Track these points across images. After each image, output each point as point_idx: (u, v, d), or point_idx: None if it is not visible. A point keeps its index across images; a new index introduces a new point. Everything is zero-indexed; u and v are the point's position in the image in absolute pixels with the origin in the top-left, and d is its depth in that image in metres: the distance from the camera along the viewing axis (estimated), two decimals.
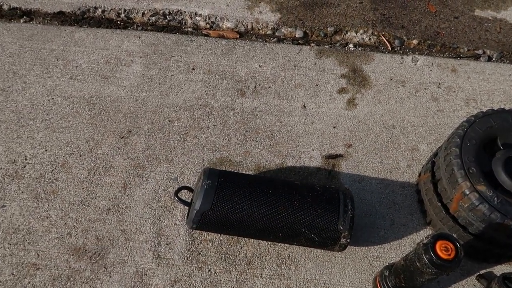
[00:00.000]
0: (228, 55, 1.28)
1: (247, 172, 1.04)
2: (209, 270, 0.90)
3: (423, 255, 0.67)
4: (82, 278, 0.87)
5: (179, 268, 0.89)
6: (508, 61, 1.35)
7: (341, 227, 0.83)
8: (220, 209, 0.83)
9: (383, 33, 1.38)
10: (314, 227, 0.83)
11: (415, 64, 1.29)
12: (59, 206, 0.96)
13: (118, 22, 1.38)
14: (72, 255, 0.90)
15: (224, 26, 1.39)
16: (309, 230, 0.83)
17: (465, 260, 0.94)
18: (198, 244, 0.93)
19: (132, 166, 1.04)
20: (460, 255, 0.62)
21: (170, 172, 1.03)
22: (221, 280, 0.89)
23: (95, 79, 1.20)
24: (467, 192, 0.81)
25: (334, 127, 1.14)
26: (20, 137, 1.06)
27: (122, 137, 1.08)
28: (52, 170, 1.02)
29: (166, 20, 1.40)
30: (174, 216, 0.97)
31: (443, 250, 0.63)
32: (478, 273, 0.92)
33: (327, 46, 1.35)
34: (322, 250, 0.93)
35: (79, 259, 0.89)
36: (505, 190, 0.83)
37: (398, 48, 1.37)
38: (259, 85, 1.22)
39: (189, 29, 1.38)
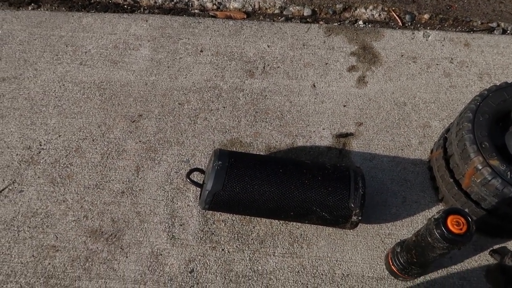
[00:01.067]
0: (236, 36, 1.27)
1: (257, 153, 1.04)
2: (223, 250, 0.91)
3: (435, 230, 0.67)
4: (100, 259, 0.89)
5: (193, 248, 0.91)
6: None
7: (352, 205, 0.83)
8: (231, 189, 0.84)
9: (393, 8, 1.36)
10: (325, 205, 0.84)
11: (427, 40, 1.27)
12: (74, 190, 0.98)
13: (125, 6, 1.38)
14: (89, 237, 0.92)
15: (231, 7, 1.38)
16: (320, 208, 0.84)
17: (478, 236, 0.94)
18: (211, 225, 0.94)
19: (144, 149, 1.05)
20: (471, 230, 0.62)
21: (182, 155, 1.04)
22: (234, 259, 0.90)
23: (105, 64, 1.20)
24: (480, 167, 0.80)
25: (345, 106, 1.13)
26: (34, 123, 1.08)
27: (133, 121, 1.09)
28: (67, 155, 1.03)
29: (172, 3, 1.39)
30: (187, 198, 0.98)
31: (454, 224, 0.63)
32: (492, 248, 0.92)
33: (336, 24, 1.33)
34: (334, 228, 0.94)
35: (96, 241, 0.91)
36: None
37: (409, 23, 1.34)
38: (268, 65, 1.21)
39: (196, 10, 1.38)
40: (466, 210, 0.89)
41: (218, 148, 0.90)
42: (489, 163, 0.80)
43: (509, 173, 0.78)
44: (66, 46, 1.24)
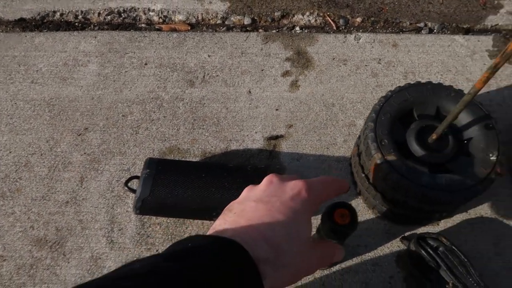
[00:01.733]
0: (179, 48, 1.35)
1: (193, 158, 1.13)
2: (157, 250, 1.00)
3: (324, 224, 0.75)
4: (44, 266, 0.97)
5: (130, 251, 0.99)
6: (448, 32, 1.40)
7: None
8: (158, 195, 0.92)
9: (328, 13, 1.44)
10: None
11: (358, 42, 1.35)
12: (22, 202, 1.06)
13: (76, 24, 1.46)
14: (35, 245, 1.00)
15: (176, 19, 1.46)
16: None
17: (391, 225, 1.02)
18: (147, 228, 1.02)
19: (89, 160, 1.13)
20: (354, 220, 0.69)
21: (123, 164, 1.12)
22: None
23: (54, 81, 1.28)
24: (379, 162, 0.88)
25: (277, 110, 1.21)
26: None
27: (79, 135, 1.17)
28: (16, 170, 1.11)
29: (121, 18, 1.47)
30: (126, 204, 1.06)
31: (339, 216, 0.70)
32: (402, 235, 1.00)
33: (274, 31, 1.41)
34: None
35: (41, 249, 0.99)
36: (417, 159, 0.91)
37: (343, 27, 1.42)
38: (208, 74, 1.29)
39: (143, 24, 1.45)
40: (377, 201, 0.98)
41: (148, 157, 0.99)
42: (386, 159, 0.88)
43: (404, 167, 0.87)
44: (19, 65, 1.32)
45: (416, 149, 0.91)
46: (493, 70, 0.73)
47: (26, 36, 1.39)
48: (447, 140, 0.92)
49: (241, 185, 0.93)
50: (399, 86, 0.99)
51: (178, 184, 0.93)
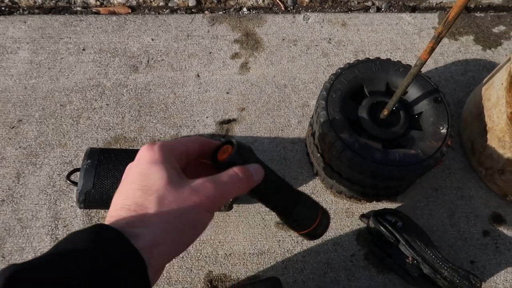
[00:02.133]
0: (120, 32, 1.27)
1: (141, 147, 1.06)
2: None
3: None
4: None
5: None
6: (396, 10, 1.41)
7: None
8: (101, 186, 0.85)
9: None
10: None
11: (307, 22, 1.33)
12: None
13: (2, 8, 1.33)
14: None
15: (115, 2, 1.37)
16: None
17: (350, 203, 1.01)
18: (95, 222, 0.95)
19: (25, 155, 1.03)
20: (237, 151, 0.51)
21: (64, 156, 1.04)
22: None
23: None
24: (332, 141, 0.86)
25: (228, 93, 1.17)
26: None
27: (13, 127, 1.07)
28: None
29: (53, 1, 1.35)
30: (70, 199, 0.98)
31: (222, 154, 0.54)
32: (361, 213, 1.00)
33: (220, 12, 1.36)
34: (216, 212, 0.98)
35: None
36: (370, 135, 0.90)
37: (292, 7, 1.40)
38: (152, 59, 1.22)
39: (79, 8, 1.35)
40: (334, 181, 0.97)
41: (89, 147, 0.91)
42: (340, 136, 0.86)
43: (357, 144, 0.85)
44: None
45: (369, 125, 0.90)
46: (437, 39, 0.72)
47: None
48: (398, 116, 0.92)
49: None
50: (348, 63, 0.97)
51: (123, 174, 0.86)
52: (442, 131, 0.88)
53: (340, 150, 0.86)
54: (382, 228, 0.90)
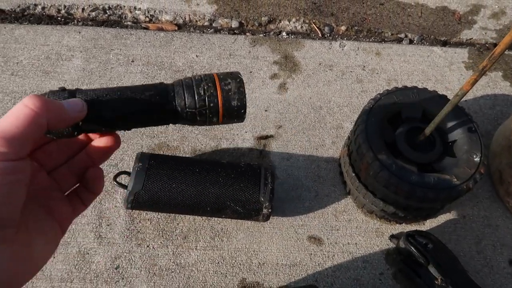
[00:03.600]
0: (167, 47, 1.34)
1: (183, 155, 1.12)
2: (148, 246, 0.98)
3: None
4: None
5: (119, 246, 0.97)
6: (427, 43, 1.47)
7: (262, 199, 0.92)
8: (150, 189, 0.91)
9: (313, 21, 1.48)
10: (238, 200, 0.92)
11: (343, 49, 1.39)
12: None
13: (59, 18, 1.42)
14: None
15: (163, 19, 1.45)
16: (234, 203, 0.92)
17: (380, 223, 1.05)
18: (137, 223, 1.00)
19: None
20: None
21: (110, 159, 1.10)
22: (158, 254, 0.97)
23: (36, 74, 1.24)
24: (370, 161, 0.91)
25: (266, 111, 1.23)
26: None
27: None
28: None
29: (106, 15, 1.44)
30: (115, 199, 1.04)
31: None
32: (391, 234, 1.03)
33: (261, 35, 1.44)
34: (252, 222, 1.02)
35: None
36: (405, 158, 0.94)
37: (328, 34, 1.47)
38: (196, 74, 1.29)
39: (129, 22, 1.44)
40: (366, 200, 1.01)
41: (140, 152, 0.97)
42: (378, 157, 0.91)
43: (394, 165, 0.90)
44: None
45: (405, 149, 0.95)
46: (481, 72, 0.78)
47: (5, 27, 1.34)
48: (434, 141, 0.97)
49: (235, 180, 0.93)
50: (387, 90, 1.03)
51: (172, 178, 0.92)
52: (475, 159, 0.92)
53: (377, 170, 0.90)
54: (413, 248, 0.93)
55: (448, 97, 1.00)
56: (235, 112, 0.46)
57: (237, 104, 0.46)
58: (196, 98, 0.44)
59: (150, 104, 0.43)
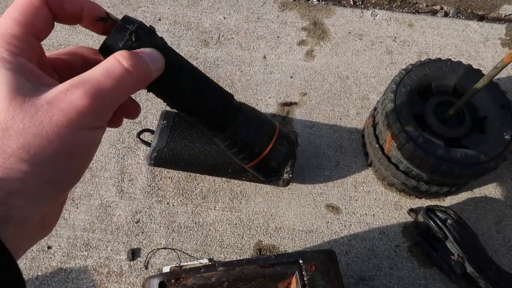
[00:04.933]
0: (194, 7, 1.32)
1: None
2: (167, 203, 0.99)
3: None
4: None
5: (140, 201, 0.99)
6: (463, 17, 1.41)
7: None
8: (174, 146, 0.91)
9: None
10: None
11: (374, 18, 1.35)
12: None
13: None
14: None
15: None
16: None
17: (400, 196, 1.04)
18: (158, 181, 1.02)
19: None
20: (114, 29, 0.33)
21: None
22: (178, 212, 0.99)
23: (64, 27, 1.24)
24: (396, 133, 0.89)
25: (291, 77, 1.21)
26: None
27: None
28: None
29: None
30: (137, 156, 1.05)
31: None
32: (410, 208, 1.03)
33: (291, 0, 1.40)
34: (271, 187, 1.03)
35: None
36: (433, 132, 0.92)
37: (360, 2, 1.42)
38: (223, 36, 1.27)
39: None
40: (388, 173, 1.00)
41: (165, 109, 0.97)
42: (404, 129, 0.89)
43: (421, 138, 0.88)
44: None
45: (433, 122, 0.93)
46: None
47: None
48: (463, 116, 0.94)
49: None
50: (420, 61, 1.00)
51: (196, 138, 0.92)
52: (506, 137, 0.90)
53: (403, 142, 0.89)
54: (432, 223, 0.93)
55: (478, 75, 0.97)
56: (267, 170, 0.44)
57: (273, 166, 0.43)
58: (249, 135, 0.41)
59: (216, 104, 0.39)
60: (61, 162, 0.27)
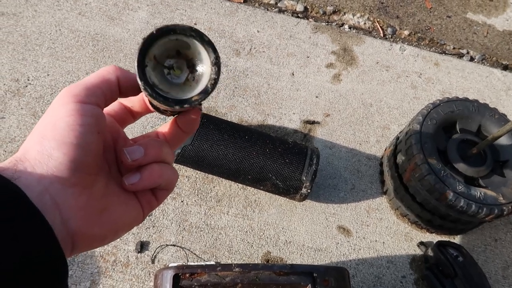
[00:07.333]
0: (230, 17, 1.35)
1: None
2: (182, 201, 0.99)
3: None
4: None
5: None
6: (488, 64, 1.45)
7: (304, 178, 0.93)
8: (199, 146, 0.92)
9: (378, 19, 1.46)
10: (280, 174, 0.93)
11: (402, 53, 1.38)
12: None
13: None
14: None
15: None
16: (275, 176, 0.93)
17: (411, 228, 1.05)
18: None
19: None
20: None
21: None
22: (191, 211, 0.99)
23: (102, 18, 1.27)
24: (419, 163, 0.91)
25: (317, 97, 1.23)
26: (25, 59, 1.14)
27: None
28: (52, 93, 1.10)
29: None
30: None
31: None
32: (420, 241, 1.03)
33: (323, 23, 1.43)
34: (285, 200, 1.03)
35: None
36: (454, 168, 0.94)
37: (390, 36, 1.45)
38: (254, 48, 1.30)
39: None
40: (403, 203, 1.01)
41: None
42: (427, 160, 0.90)
43: (443, 171, 0.89)
44: None
45: (455, 158, 0.94)
46: None
47: None
48: (485, 157, 0.96)
49: (281, 155, 0.94)
50: (448, 98, 1.02)
51: (221, 140, 0.93)
52: None
53: (425, 173, 0.90)
54: (443, 257, 0.93)
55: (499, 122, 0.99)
56: None
57: None
58: None
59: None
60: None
